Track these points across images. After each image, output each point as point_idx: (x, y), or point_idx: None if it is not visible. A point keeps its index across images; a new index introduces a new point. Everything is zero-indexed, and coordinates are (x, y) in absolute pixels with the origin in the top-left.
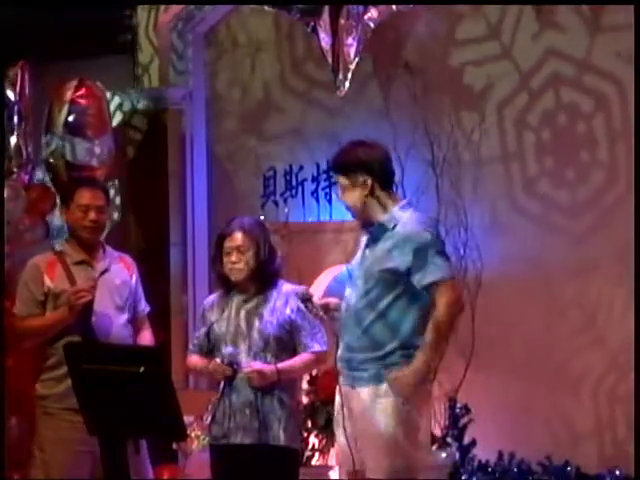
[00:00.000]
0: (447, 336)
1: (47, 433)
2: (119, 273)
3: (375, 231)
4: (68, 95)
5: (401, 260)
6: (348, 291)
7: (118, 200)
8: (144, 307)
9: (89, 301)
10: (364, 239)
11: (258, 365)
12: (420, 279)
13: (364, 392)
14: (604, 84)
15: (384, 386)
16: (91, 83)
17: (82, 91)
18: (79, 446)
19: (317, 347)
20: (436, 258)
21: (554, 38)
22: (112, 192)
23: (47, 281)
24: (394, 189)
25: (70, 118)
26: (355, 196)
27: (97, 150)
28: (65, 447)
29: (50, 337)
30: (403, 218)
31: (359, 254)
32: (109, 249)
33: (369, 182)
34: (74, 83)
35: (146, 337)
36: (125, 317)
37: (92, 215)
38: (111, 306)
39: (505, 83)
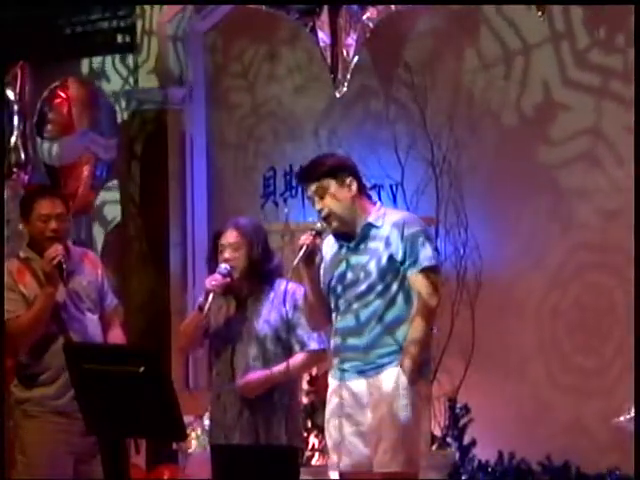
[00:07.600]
0: (432, 323)
1: (29, 436)
2: (86, 274)
3: (363, 231)
4: (43, 96)
5: (396, 246)
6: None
7: (119, 200)
8: (110, 301)
9: (62, 306)
10: (333, 247)
11: (251, 376)
12: (413, 264)
13: (379, 384)
14: None
15: (400, 374)
16: (72, 84)
17: (54, 92)
18: (61, 447)
19: (314, 345)
20: (427, 246)
21: None
22: (113, 192)
23: (21, 287)
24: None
25: (36, 119)
26: (342, 198)
27: (57, 150)
28: (48, 449)
29: (42, 329)
30: (388, 213)
31: (339, 264)
32: (72, 247)
33: (355, 183)
34: (55, 84)
35: (116, 336)
36: (96, 317)
37: (53, 224)
38: (84, 308)
39: None
